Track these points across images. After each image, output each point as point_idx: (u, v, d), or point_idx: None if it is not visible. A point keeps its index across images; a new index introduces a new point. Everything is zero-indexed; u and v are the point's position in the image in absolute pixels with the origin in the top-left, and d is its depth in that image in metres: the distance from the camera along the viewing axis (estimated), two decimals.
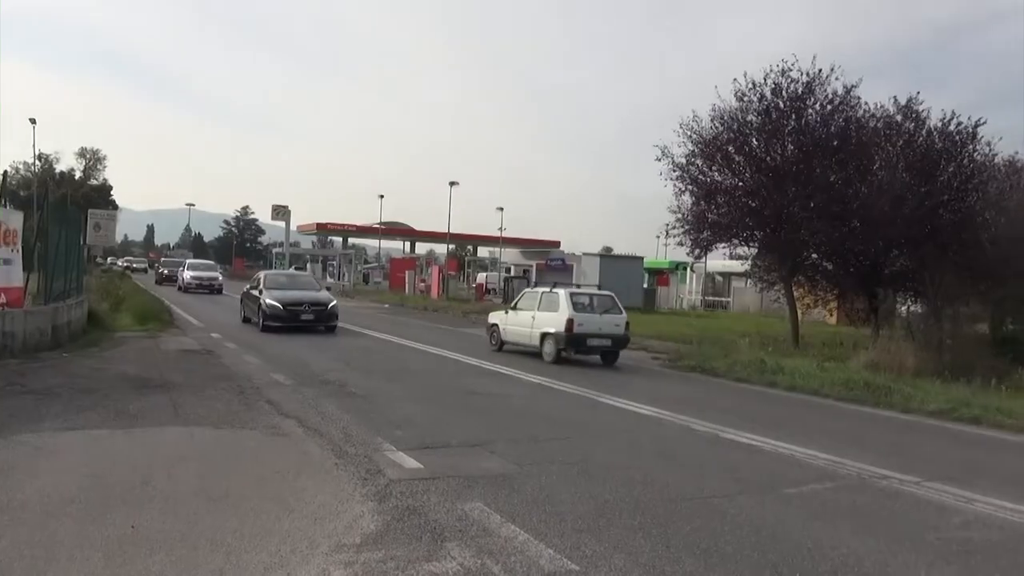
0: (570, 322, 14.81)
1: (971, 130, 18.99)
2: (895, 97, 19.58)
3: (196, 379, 10.44)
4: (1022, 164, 24.32)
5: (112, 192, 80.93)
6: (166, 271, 47.09)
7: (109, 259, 77.41)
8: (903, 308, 22.73)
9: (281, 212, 66.91)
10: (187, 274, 37.99)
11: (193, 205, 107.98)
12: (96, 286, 24.04)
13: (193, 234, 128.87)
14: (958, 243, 18.78)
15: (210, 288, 36.97)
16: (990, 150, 19.74)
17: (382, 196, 71.95)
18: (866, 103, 19.54)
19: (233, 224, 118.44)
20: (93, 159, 79.61)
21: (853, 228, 18.78)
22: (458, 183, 58.64)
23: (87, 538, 4.38)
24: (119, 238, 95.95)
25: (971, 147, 19.16)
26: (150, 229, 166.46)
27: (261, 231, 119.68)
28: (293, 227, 71.17)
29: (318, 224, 78.18)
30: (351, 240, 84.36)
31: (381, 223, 71.90)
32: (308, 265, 62.97)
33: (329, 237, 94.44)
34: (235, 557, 4.21)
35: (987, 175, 20.05)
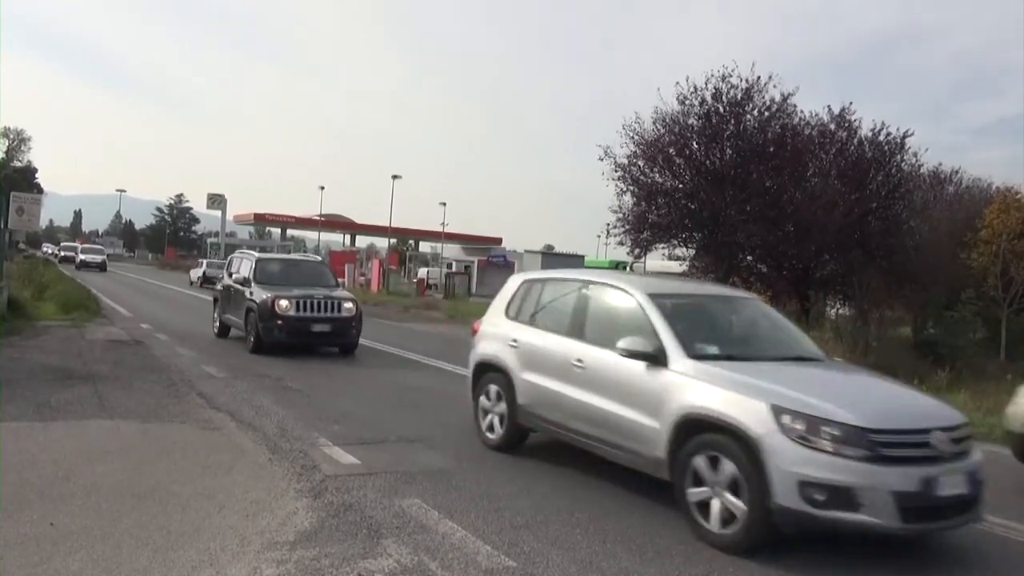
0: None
1: (899, 140, 19.83)
2: (829, 106, 20.30)
3: (124, 371, 10.06)
4: (945, 175, 25.52)
5: (37, 175, 77.50)
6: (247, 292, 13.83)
7: (45, 247, 73.01)
8: (832, 311, 23.51)
9: (217, 201, 65.14)
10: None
11: (124, 191, 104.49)
12: (18, 273, 22.98)
13: (124, 221, 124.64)
14: (885, 249, 19.60)
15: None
16: (916, 160, 20.67)
17: (322, 187, 71.03)
18: (802, 111, 20.20)
19: (166, 212, 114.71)
20: (17, 140, 76.01)
21: (787, 232, 19.33)
22: (400, 177, 58.23)
23: (1, 536, 4.17)
24: (44, 223, 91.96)
25: (899, 157, 20.03)
26: (77, 215, 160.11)
27: (196, 220, 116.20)
28: (229, 217, 69.46)
29: (256, 214, 76.53)
30: (290, 232, 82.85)
31: (321, 215, 70.84)
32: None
33: (267, 228, 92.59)
34: (161, 555, 4.07)
35: (913, 184, 20.99)
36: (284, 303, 12.53)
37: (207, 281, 36.68)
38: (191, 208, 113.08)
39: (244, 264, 14.39)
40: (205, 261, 41.97)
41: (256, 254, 14.86)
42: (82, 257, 49.07)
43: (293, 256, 19.78)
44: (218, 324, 15.19)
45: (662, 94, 19.86)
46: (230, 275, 14.70)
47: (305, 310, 12.68)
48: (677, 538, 4.91)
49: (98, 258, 49.65)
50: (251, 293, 13.17)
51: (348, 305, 13.18)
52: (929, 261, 19.60)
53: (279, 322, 12.44)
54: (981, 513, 4.91)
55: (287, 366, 11.66)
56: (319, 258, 18.40)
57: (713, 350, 5.52)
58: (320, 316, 12.82)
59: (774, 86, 19.56)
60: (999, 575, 4.86)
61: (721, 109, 19.37)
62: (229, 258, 16.36)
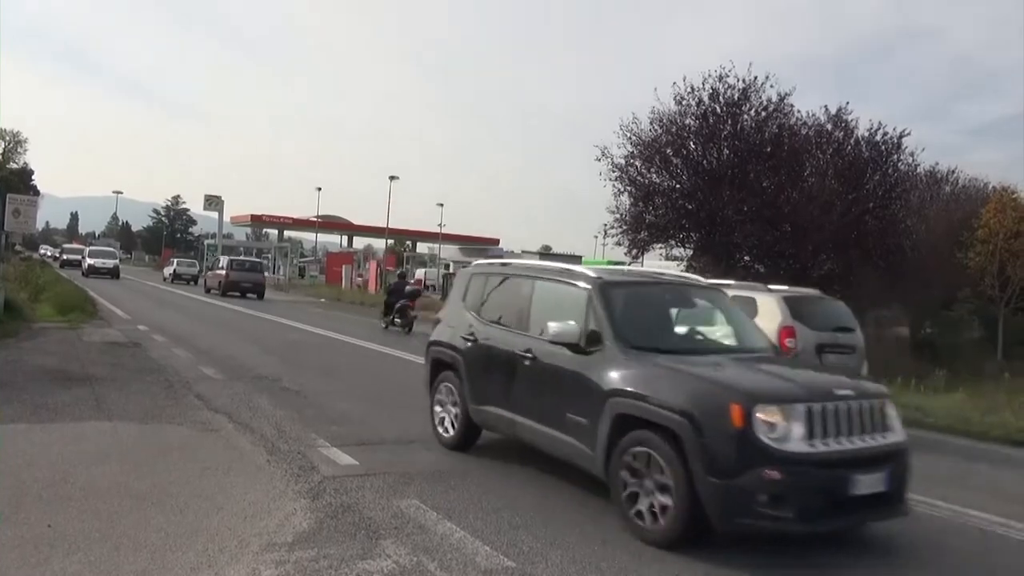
0: None
1: (896, 140, 19.84)
2: (826, 106, 20.31)
3: (121, 372, 10.03)
4: (942, 175, 25.57)
5: (33, 177, 77.33)
6: None
7: (43, 248, 72.79)
8: None
9: (214, 202, 65.03)
10: None
11: (121, 193, 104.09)
12: (15, 275, 22.93)
13: (121, 223, 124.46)
14: (882, 249, 19.62)
15: None
16: (913, 160, 20.68)
17: (319, 189, 70.91)
18: (799, 111, 20.19)
19: (163, 214, 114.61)
20: (13, 141, 75.80)
21: (784, 232, 19.33)
22: (398, 178, 58.19)
23: None
24: (40, 225, 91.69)
25: (896, 157, 20.03)
26: (74, 217, 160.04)
27: (193, 222, 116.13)
28: (226, 218, 69.42)
29: (252, 216, 76.42)
30: (287, 233, 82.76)
31: (318, 216, 70.76)
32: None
33: (264, 229, 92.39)
34: (160, 557, 4.06)
35: (910, 184, 21.01)
36: (777, 418, 4.60)
37: (177, 278, 39.89)
38: (188, 210, 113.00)
39: (556, 292, 6.25)
40: (176, 260, 46.46)
41: (588, 271, 6.19)
42: (90, 262, 40.21)
43: (659, 273, 8.16)
44: (459, 422, 6.87)
45: (659, 94, 19.87)
46: (480, 316, 6.90)
47: (826, 435, 4.73)
48: None
49: (109, 263, 40.25)
50: (626, 375, 5.23)
51: (891, 411, 5.32)
52: (926, 260, 19.66)
53: (775, 475, 4.46)
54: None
55: (284, 368, 11.64)
56: (698, 278, 7.82)
57: None
58: (862, 450, 4.84)
59: (771, 86, 19.60)
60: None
61: (718, 109, 19.37)
62: (466, 273, 7.77)
